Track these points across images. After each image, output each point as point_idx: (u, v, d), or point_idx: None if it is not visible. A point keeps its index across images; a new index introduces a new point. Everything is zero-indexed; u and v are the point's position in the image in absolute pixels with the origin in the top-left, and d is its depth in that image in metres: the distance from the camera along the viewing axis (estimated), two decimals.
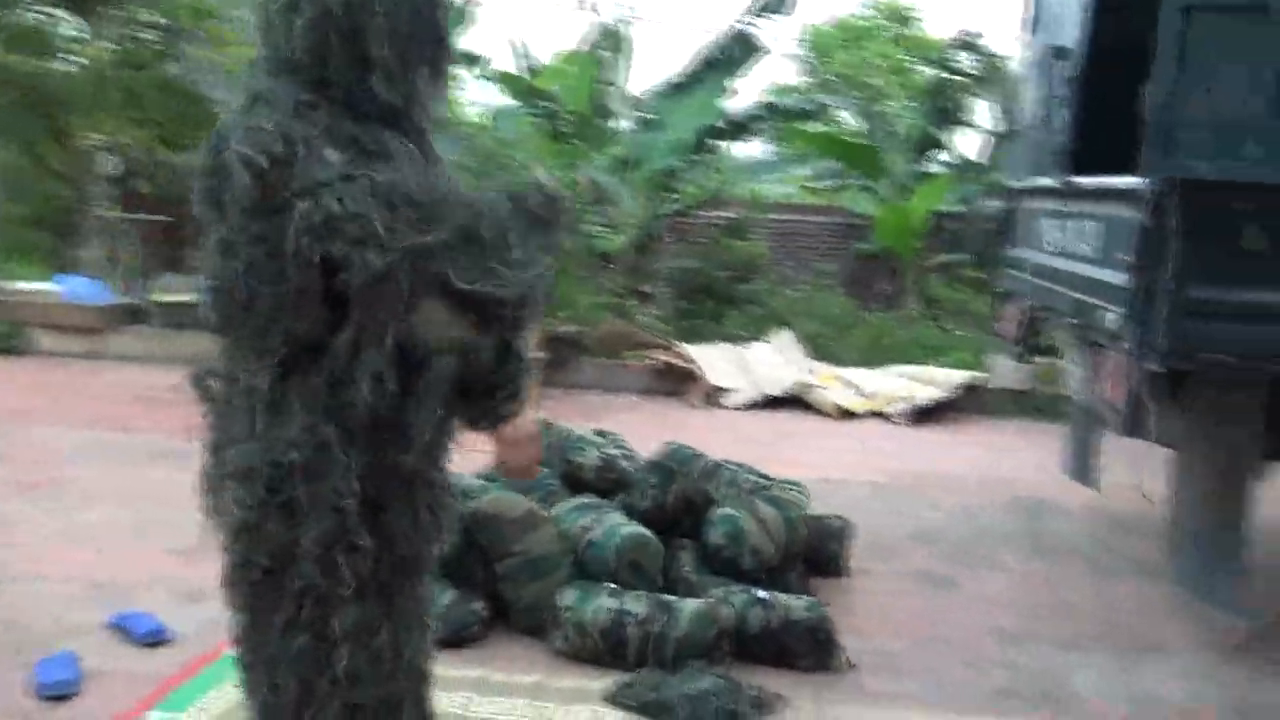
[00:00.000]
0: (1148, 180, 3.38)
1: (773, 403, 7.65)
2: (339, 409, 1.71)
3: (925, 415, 7.34)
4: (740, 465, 4.51)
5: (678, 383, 7.88)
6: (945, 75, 12.60)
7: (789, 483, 4.43)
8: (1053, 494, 5.52)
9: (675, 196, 10.58)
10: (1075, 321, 4.16)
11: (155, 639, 3.50)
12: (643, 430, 5.80)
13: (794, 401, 7.67)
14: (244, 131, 1.66)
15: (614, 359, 8.11)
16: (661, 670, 3.29)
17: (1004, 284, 5.38)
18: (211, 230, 1.73)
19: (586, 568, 3.69)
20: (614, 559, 3.64)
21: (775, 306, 9.72)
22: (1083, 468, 5.15)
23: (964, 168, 12.09)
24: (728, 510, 3.89)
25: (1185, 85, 3.26)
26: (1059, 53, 4.65)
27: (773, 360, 8.08)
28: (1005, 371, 7.76)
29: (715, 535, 3.84)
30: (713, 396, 7.62)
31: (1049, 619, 4.05)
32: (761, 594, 3.58)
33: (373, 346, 1.68)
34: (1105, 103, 4.47)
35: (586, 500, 3.96)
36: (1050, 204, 4.62)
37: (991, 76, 12.44)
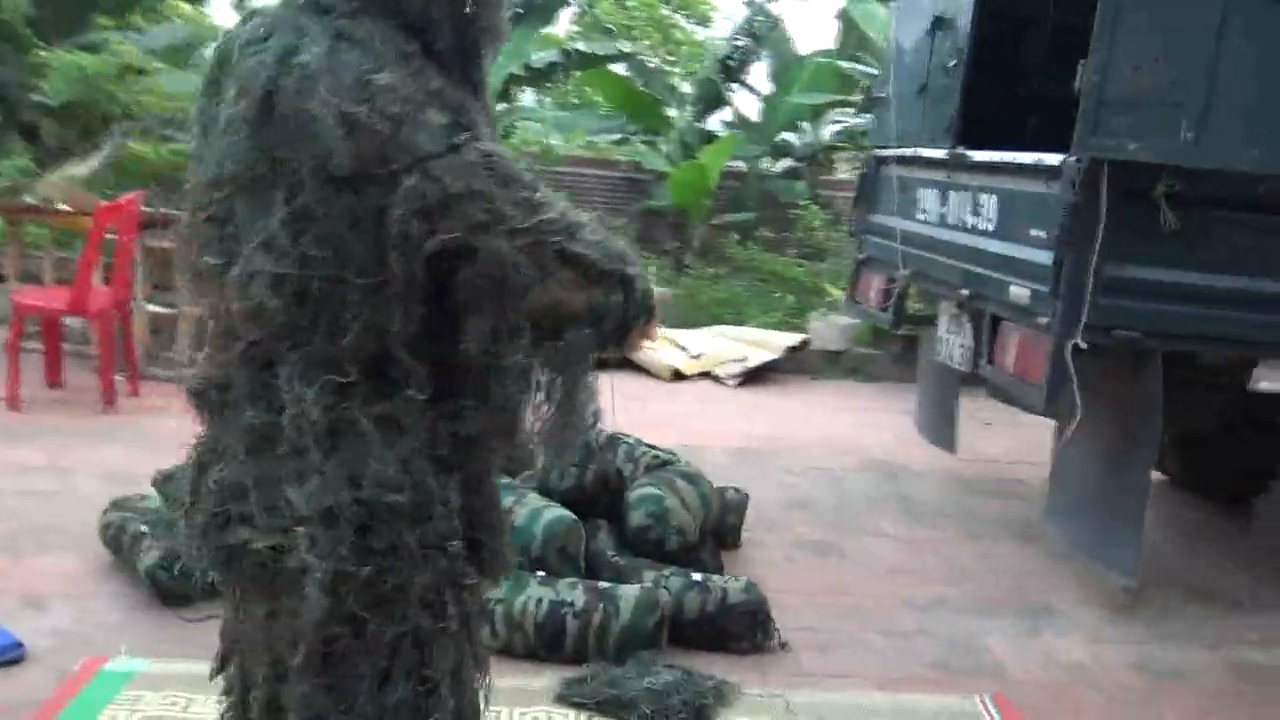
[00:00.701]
0: (1077, 158, 3.44)
1: (599, 364, 7.48)
2: (439, 435, 1.47)
3: (750, 377, 7.40)
4: (632, 437, 4.34)
5: None
6: (732, 35, 12.76)
7: (668, 452, 4.32)
8: (904, 457, 5.68)
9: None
10: (965, 293, 4.22)
11: (9, 656, 2.99)
12: None
13: (624, 363, 7.54)
14: (349, 80, 1.34)
15: None
16: (607, 663, 3.11)
17: (865, 251, 5.43)
18: (261, 198, 1.39)
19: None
20: (541, 545, 3.41)
21: None
22: (940, 430, 5.31)
23: (744, 127, 12.29)
24: (649, 489, 3.73)
25: (1118, 64, 3.31)
26: (939, 23, 4.69)
27: None
28: (822, 333, 7.95)
29: (638, 516, 3.67)
30: None
31: (948, 585, 4.14)
32: (697, 577, 3.45)
33: (514, 340, 1.42)
34: (986, 76, 4.57)
35: (500, 481, 3.67)
36: (931, 174, 4.66)
37: (770, 37, 12.73)
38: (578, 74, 11.50)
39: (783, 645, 3.44)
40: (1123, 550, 3.77)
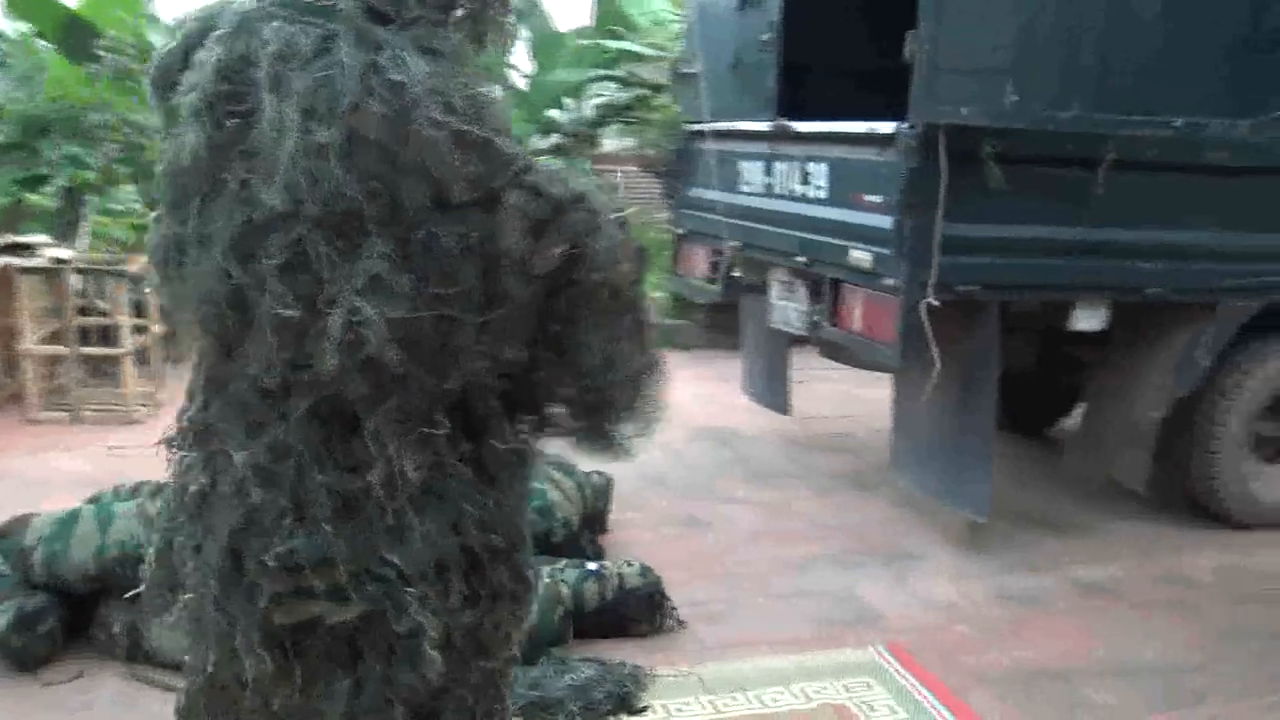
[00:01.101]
0: (912, 124, 3.60)
1: None
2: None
3: None
4: None
5: None
6: None
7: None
8: (733, 422, 5.83)
9: None
10: (801, 260, 4.36)
11: None
12: None
13: None
14: (459, 98, 1.24)
15: None
16: (521, 666, 3.05)
17: (684, 225, 5.51)
18: (350, 235, 1.23)
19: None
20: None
21: None
22: (772, 393, 5.49)
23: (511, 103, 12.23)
24: (537, 486, 3.66)
25: (946, 34, 3.49)
26: (746, 4, 4.80)
27: None
28: None
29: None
30: None
31: (811, 542, 4.29)
32: (591, 566, 3.43)
33: (637, 338, 1.40)
34: (801, 49, 4.71)
35: None
36: (753, 147, 4.77)
37: (529, 14, 12.69)
38: None
39: (680, 623, 3.48)
40: (975, 490, 4.03)
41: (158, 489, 3.51)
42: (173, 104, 1.31)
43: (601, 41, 11.95)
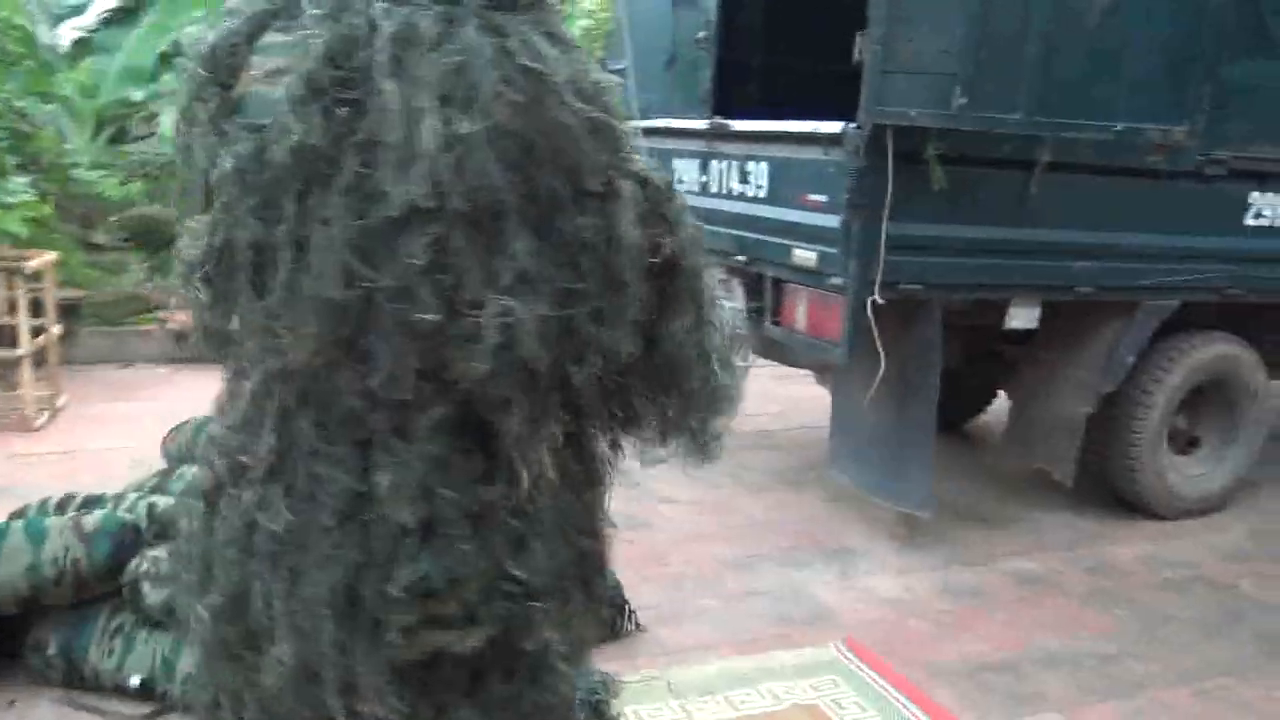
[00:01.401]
0: (859, 125, 3.63)
1: None
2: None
3: None
4: None
5: None
6: None
7: None
8: None
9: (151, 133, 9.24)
10: (740, 259, 4.36)
11: None
12: (178, 403, 5.16)
13: None
14: (588, 83, 1.20)
15: (125, 326, 6.96)
16: None
17: None
18: (487, 231, 1.15)
19: None
20: None
21: None
22: None
23: None
24: None
25: (896, 37, 3.52)
26: (680, 1, 4.78)
27: None
28: None
29: None
30: None
31: (753, 541, 4.30)
32: None
33: (710, 328, 1.37)
34: (738, 48, 4.72)
35: None
36: (688, 144, 4.76)
37: None
38: None
39: (638, 627, 3.45)
40: (916, 487, 4.09)
41: (91, 500, 3.33)
42: (236, 94, 1.20)
43: None
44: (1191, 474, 4.79)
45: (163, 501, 3.21)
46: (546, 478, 1.24)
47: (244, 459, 1.26)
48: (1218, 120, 3.92)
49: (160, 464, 3.91)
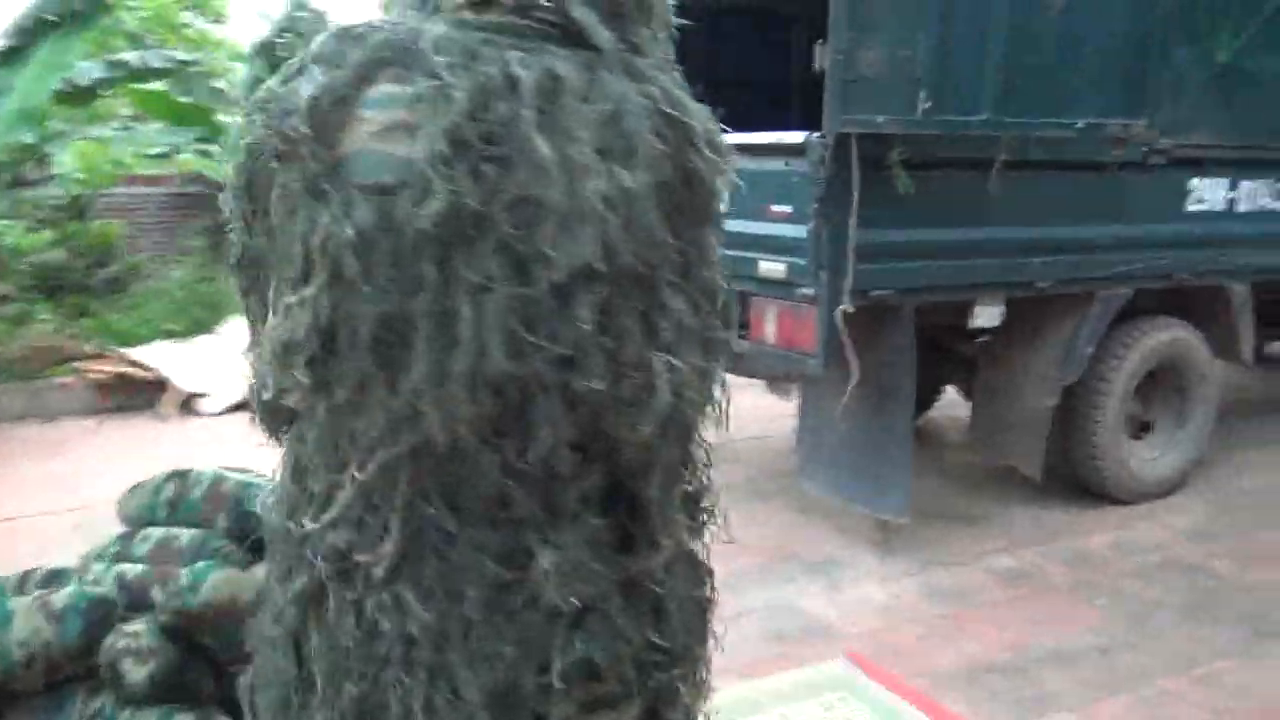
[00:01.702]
0: (822, 135, 3.60)
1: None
2: None
3: None
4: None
5: (134, 395, 6.68)
6: (276, 30, 12.11)
7: None
8: None
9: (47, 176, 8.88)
10: None
11: None
12: (111, 457, 4.94)
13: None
14: (706, 116, 1.18)
15: (39, 379, 6.63)
16: None
17: None
18: (645, 285, 1.10)
19: None
20: None
21: (161, 290, 8.64)
22: None
23: None
24: None
25: (858, 46, 3.51)
26: None
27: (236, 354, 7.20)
28: None
29: None
30: (190, 404, 6.60)
31: (732, 558, 4.16)
32: None
33: None
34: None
35: None
36: None
37: (315, 32, 12.27)
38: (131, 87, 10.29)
39: None
40: (894, 492, 4.08)
41: (54, 575, 3.11)
42: (343, 152, 1.06)
43: None
44: (1148, 458, 4.87)
45: (132, 570, 3.01)
46: (679, 538, 1.17)
47: (362, 558, 1.13)
48: (1172, 112, 3.99)
49: (113, 527, 3.69)
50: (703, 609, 1.27)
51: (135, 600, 2.99)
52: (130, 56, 10.41)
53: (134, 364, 6.71)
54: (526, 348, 1.04)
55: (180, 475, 3.48)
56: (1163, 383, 4.84)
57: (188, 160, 11.47)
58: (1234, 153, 4.53)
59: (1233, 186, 4.65)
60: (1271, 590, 3.97)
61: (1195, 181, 4.53)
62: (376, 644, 1.14)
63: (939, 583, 4.01)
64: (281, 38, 11.97)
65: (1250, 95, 4.35)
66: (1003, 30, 3.57)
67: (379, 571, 1.12)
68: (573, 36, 1.12)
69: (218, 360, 7.00)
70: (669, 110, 1.09)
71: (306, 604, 1.19)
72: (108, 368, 6.69)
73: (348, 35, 1.11)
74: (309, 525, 1.18)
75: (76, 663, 2.78)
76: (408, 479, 1.11)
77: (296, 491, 1.21)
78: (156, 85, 11.47)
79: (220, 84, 12.92)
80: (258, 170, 1.12)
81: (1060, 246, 4.14)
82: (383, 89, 1.07)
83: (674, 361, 1.08)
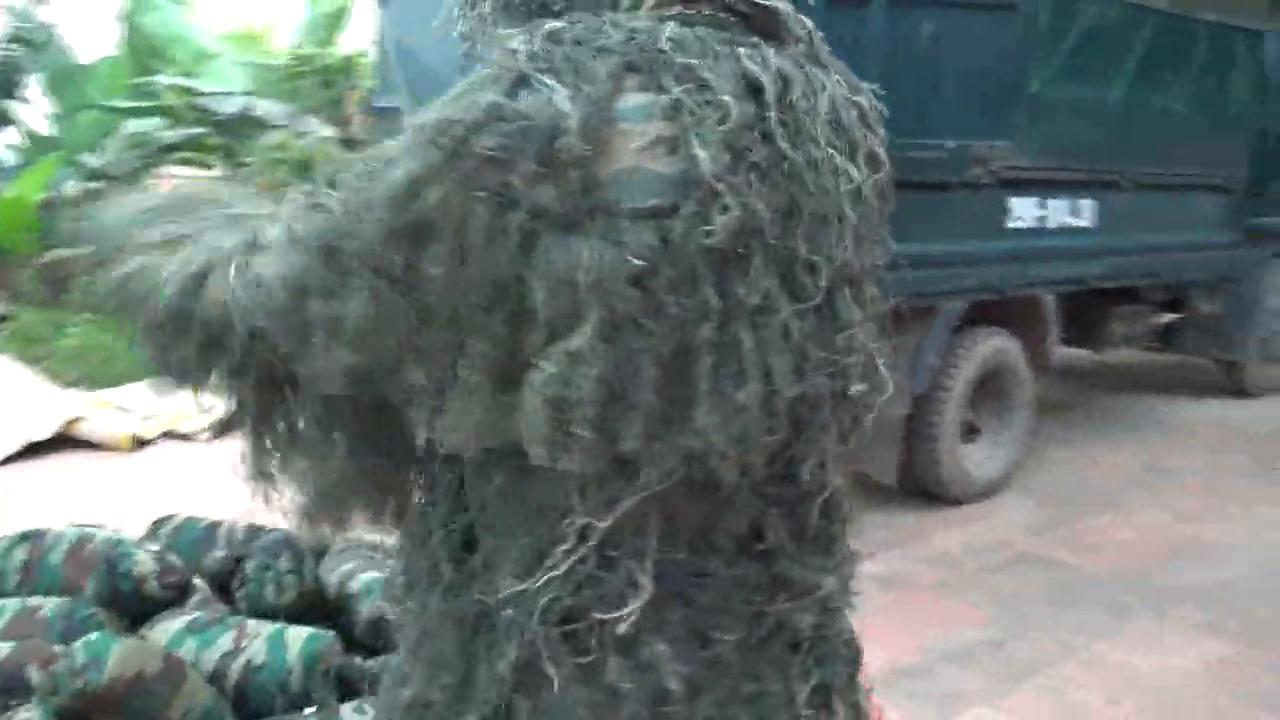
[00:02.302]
0: None
1: (34, 450, 6.15)
2: None
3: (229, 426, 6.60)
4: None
5: None
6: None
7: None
8: None
9: None
10: None
11: None
12: None
13: (62, 442, 6.25)
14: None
15: None
16: None
17: None
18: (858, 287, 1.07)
19: (252, 703, 2.73)
20: (302, 676, 2.76)
21: None
22: None
23: (40, 148, 10.89)
24: (371, 575, 3.20)
25: None
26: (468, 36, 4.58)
27: (8, 397, 6.45)
28: None
29: (367, 607, 3.14)
30: None
31: None
32: None
33: None
34: None
35: (194, 615, 2.89)
36: None
37: (44, 45, 11.39)
38: None
39: None
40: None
41: None
42: (611, 173, 0.91)
43: (154, 79, 10.95)
44: (979, 460, 5.18)
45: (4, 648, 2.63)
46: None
47: (604, 615, 0.99)
48: (1032, 135, 4.28)
49: None
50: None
51: (4, 683, 2.62)
52: None
53: None
54: (808, 365, 0.97)
55: (34, 536, 3.10)
56: (988, 389, 5.17)
57: None
58: (1044, 174, 4.92)
59: (1041, 205, 5.04)
60: (1111, 574, 4.32)
61: (1013, 200, 4.87)
62: (620, 708, 1.01)
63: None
64: (9, 49, 11.03)
65: (1057, 121, 4.73)
66: (879, 54, 3.72)
67: (623, 628, 1.00)
68: (756, 27, 1.04)
69: None
70: (857, 99, 1.07)
71: (519, 678, 1.04)
72: None
73: (569, 38, 0.98)
74: (512, 588, 1.03)
75: None
76: (658, 521, 1.00)
77: (469, 557, 1.08)
78: None
79: None
80: (445, 205, 0.92)
81: (917, 261, 4.34)
82: (634, 99, 0.94)
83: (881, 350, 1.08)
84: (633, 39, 0.96)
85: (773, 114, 0.95)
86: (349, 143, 8.94)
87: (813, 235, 0.96)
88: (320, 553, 3.28)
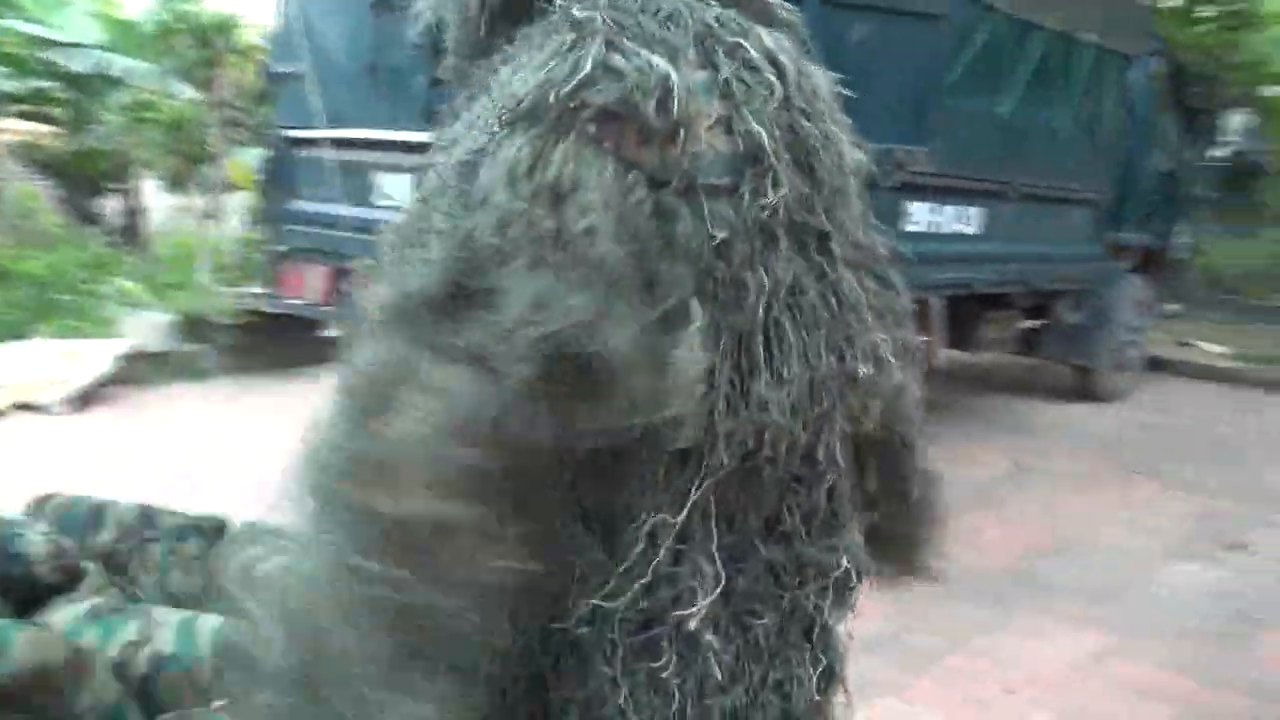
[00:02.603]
0: None
1: None
2: None
3: (85, 400, 6.25)
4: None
5: None
6: None
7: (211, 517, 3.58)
8: None
9: None
10: None
11: None
12: None
13: None
14: None
15: None
16: None
17: (288, 241, 4.95)
18: None
19: (155, 698, 2.58)
20: (213, 667, 2.62)
21: None
22: None
23: None
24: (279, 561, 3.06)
25: None
26: (383, 4, 4.44)
27: None
28: (138, 334, 7.02)
29: None
30: None
31: None
32: None
33: None
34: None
35: (92, 602, 2.71)
36: (396, 158, 4.44)
37: None
38: None
39: None
40: None
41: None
42: (692, 152, 0.90)
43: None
44: None
45: None
46: None
47: (683, 612, 0.97)
48: (944, 143, 4.40)
49: None
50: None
51: None
52: None
53: None
54: (835, 344, 0.99)
55: None
56: None
57: None
58: (941, 180, 5.07)
59: (936, 210, 5.20)
60: (994, 569, 4.49)
61: (911, 204, 5.01)
62: (669, 705, 0.98)
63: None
64: None
65: (963, 130, 4.89)
66: None
67: (694, 624, 0.97)
68: (753, 11, 1.04)
69: None
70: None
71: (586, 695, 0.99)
72: None
73: (635, 8, 0.95)
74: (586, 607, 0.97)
75: None
76: (716, 511, 0.98)
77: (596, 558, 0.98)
78: None
79: None
80: (570, 161, 0.87)
81: None
82: (698, 75, 0.93)
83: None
84: (689, 12, 0.96)
85: (795, 92, 0.96)
86: (222, 105, 8.53)
87: (831, 212, 0.98)
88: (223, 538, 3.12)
